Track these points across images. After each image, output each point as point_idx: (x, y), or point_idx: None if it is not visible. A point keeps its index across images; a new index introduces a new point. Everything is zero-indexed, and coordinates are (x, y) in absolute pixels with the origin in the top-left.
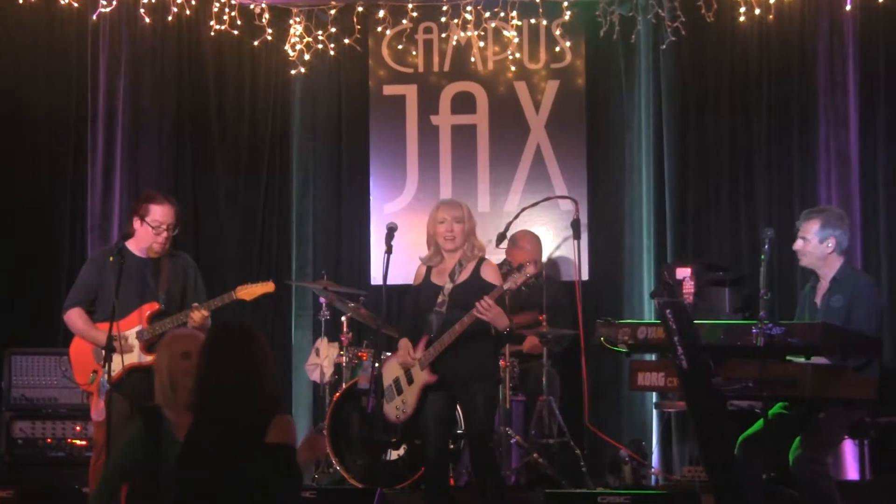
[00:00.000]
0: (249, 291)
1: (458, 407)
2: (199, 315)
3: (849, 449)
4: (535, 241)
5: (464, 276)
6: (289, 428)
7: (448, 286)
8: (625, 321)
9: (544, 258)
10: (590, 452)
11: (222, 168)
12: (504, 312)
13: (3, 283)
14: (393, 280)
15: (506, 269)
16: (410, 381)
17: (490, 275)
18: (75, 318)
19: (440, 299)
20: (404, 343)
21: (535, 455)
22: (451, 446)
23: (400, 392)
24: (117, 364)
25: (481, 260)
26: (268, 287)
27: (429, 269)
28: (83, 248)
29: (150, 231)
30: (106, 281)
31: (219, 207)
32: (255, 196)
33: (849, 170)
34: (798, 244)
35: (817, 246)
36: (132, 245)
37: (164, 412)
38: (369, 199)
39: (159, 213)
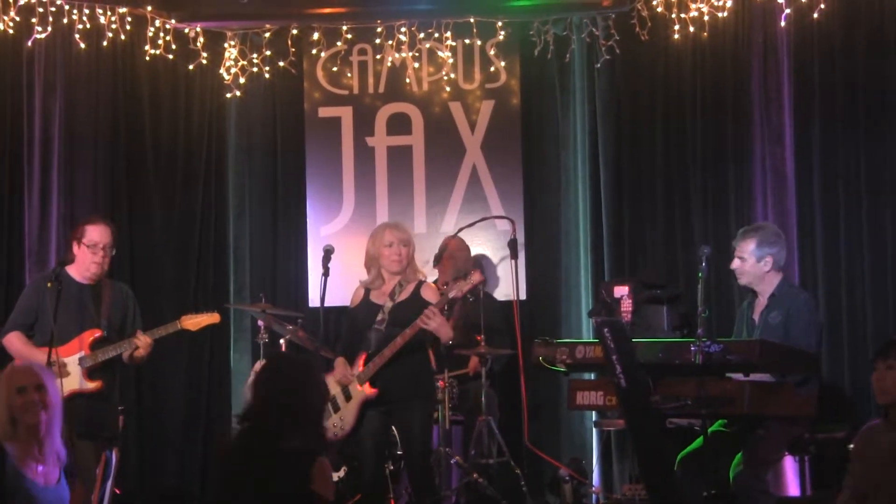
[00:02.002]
0: (195, 322)
1: (394, 427)
2: (144, 342)
3: (789, 465)
4: (462, 244)
5: (404, 295)
6: (329, 476)
7: (388, 304)
8: (563, 341)
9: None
10: (530, 472)
11: (158, 192)
12: (447, 323)
13: None
14: (330, 302)
15: (447, 280)
16: (348, 397)
17: (430, 295)
18: (14, 340)
19: (380, 317)
20: (341, 361)
21: (475, 475)
22: (391, 467)
23: (337, 409)
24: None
25: (421, 282)
26: (213, 318)
27: (367, 291)
28: (20, 275)
29: (87, 253)
30: (45, 305)
31: (154, 231)
32: (191, 219)
33: (785, 185)
34: (735, 263)
35: (755, 265)
36: (72, 271)
37: (5, 447)
38: (306, 222)
39: (95, 233)
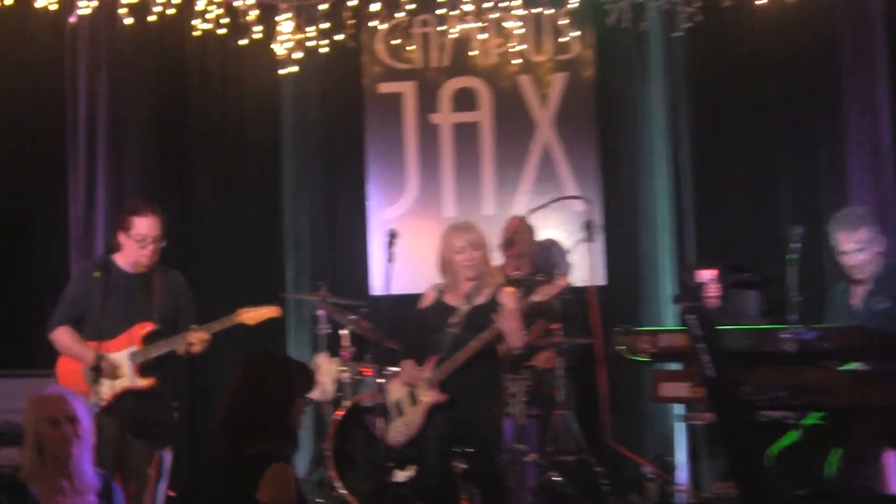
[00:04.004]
0: (253, 316)
1: (465, 427)
2: (199, 337)
3: (892, 461)
4: (525, 226)
5: (481, 299)
6: (284, 481)
7: (464, 307)
8: (644, 328)
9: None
10: (610, 470)
11: (209, 176)
12: (521, 331)
13: None
14: (395, 289)
15: (531, 279)
16: (414, 401)
17: (509, 300)
18: (62, 335)
19: (454, 320)
20: (409, 363)
21: (551, 473)
22: (465, 466)
23: (401, 413)
24: (108, 387)
25: (499, 286)
26: (273, 312)
27: (440, 292)
28: (65, 263)
29: (134, 246)
30: (92, 297)
31: (206, 217)
32: (245, 204)
33: (882, 162)
34: (857, 258)
35: (874, 255)
36: (119, 259)
37: (29, 483)
38: (367, 205)
39: (143, 225)
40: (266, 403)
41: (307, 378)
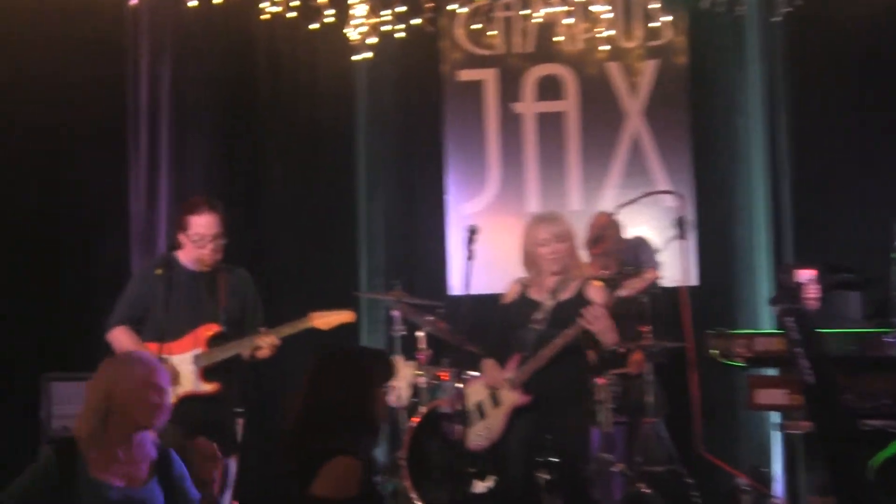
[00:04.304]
0: (326, 320)
1: (549, 433)
2: (268, 342)
3: None
4: (612, 222)
5: (567, 294)
6: (343, 475)
7: (549, 303)
8: (739, 331)
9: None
10: (703, 481)
11: (278, 168)
12: (613, 327)
13: (38, 300)
14: (476, 289)
15: (618, 275)
16: (496, 403)
17: (595, 294)
18: (121, 336)
19: (538, 316)
20: (490, 363)
21: (640, 485)
22: (548, 476)
23: (483, 416)
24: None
25: (586, 280)
26: (347, 317)
27: (524, 286)
28: (126, 258)
29: (193, 247)
30: (154, 296)
31: (275, 212)
32: (317, 198)
33: None
34: None
35: None
36: (182, 257)
37: (80, 446)
38: (446, 199)
39: (200, 224)
40: (342, 401)
41: (386, 366)
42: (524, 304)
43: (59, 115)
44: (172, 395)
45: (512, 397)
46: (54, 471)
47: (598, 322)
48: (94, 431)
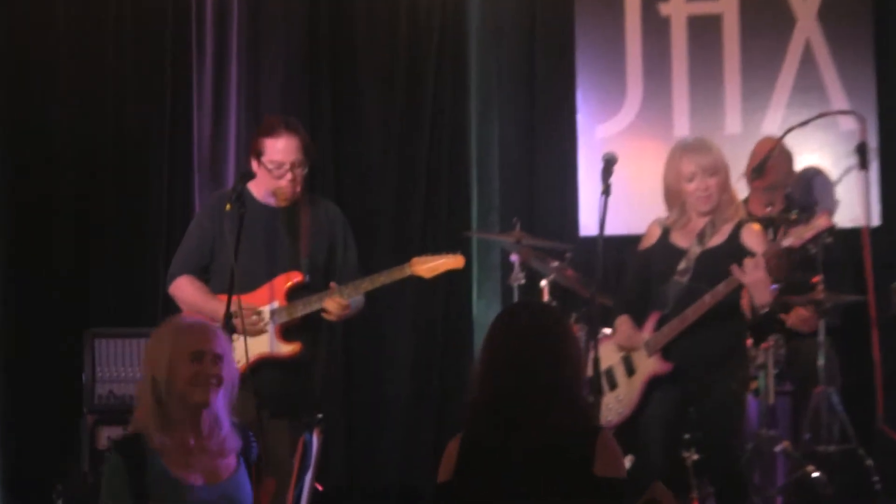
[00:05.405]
0: (430, 266)
1: (695, 406)
2: (335, 304)
3: None
4: (783, 151)
5: (717, 238)
6: (616, 452)
7: (695, 250)
8: None
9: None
10: (885, 463)
11: (372, 87)
12: (768, 284)
13: (82, 245)
14: (611, 230)
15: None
16: (631, 371)
17: (754, 241)
18: (185, 287)
19: (682, 266)
20: (624, 321)
21: (809, 468)
22: (695, 457)
23: (614, 386)
24: (241, 354)
25: (741, 222)
26: (455, 262)
27: (665, 229)
28: (187, 196)
29: (268, 175)
30: (223, 238)
31: (368, 139)
32: (419, 122)
33: None
34: None
35: None
36: (256, 189)
37: (146, 438)
38: (576, 121)
39: (277, 149)
40: (561, 373)
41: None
42: (665, 252)
43: (110, 28)
44: (244, 358)
45: (649, 364)
46: (125, 476)
47: (752, 272)
48: (153, 417)
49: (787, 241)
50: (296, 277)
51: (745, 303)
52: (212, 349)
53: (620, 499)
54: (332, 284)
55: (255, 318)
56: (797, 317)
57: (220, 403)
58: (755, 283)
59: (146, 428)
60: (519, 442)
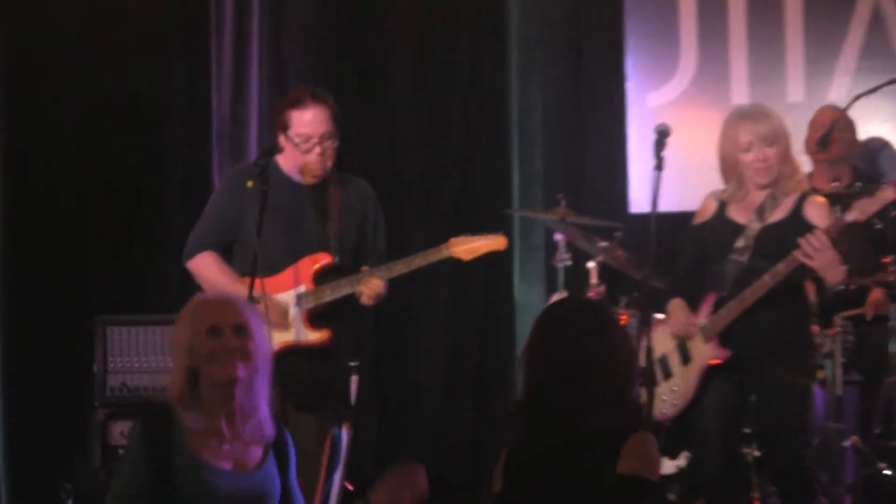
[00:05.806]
0: (469, 248)
1: (755, 397)
2: (371, 287)
3: None
4: (847, 121)
5: (778, 213)
6: (649, 452)
7: (754, 226)
8: None
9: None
10: None
11: (404, 50)
12: (838, 260)
13: (91, 224)
14: (665, 206)
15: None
16: (686, 358)
17: (817, 215)
18: (207, 264)
19: (740, 243)
20: (678, 305)
21: (880, 465)
22: (756, 453)
23: (668, 375)
24: None
25: (804, 195)
26: (496, 243)
27: (722, 203)
28: (205, 169)
29: (296, 149)
30: (245, 214)
31: (399, 106)
32: (453, 87)
33: None
34: None
35: None
36: (282, 164)
37: (175, 413)
38: (626, 88)
39: (304, 122)
40: (606, 372)
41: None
42: (722, 227)
43: None
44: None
45: (705, 351)
46: (146, 451)
47: (817, 256)
48: (185, 395)
49: (852, 216)
50: (324, 259)
51: (810, 291)
52: (230, 321)
53: (643, 499)
54: (364, 268)
55: (279, 311)
56: (870, 301)
57: (256, 382)
58: (824, 263)
59: (176, 404)
60: (560, 448)
